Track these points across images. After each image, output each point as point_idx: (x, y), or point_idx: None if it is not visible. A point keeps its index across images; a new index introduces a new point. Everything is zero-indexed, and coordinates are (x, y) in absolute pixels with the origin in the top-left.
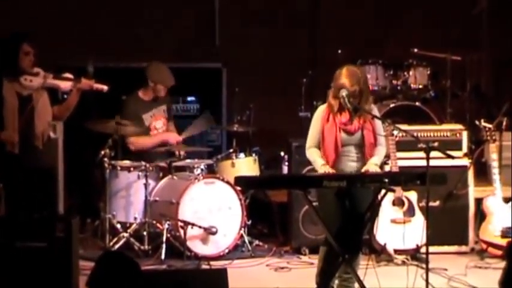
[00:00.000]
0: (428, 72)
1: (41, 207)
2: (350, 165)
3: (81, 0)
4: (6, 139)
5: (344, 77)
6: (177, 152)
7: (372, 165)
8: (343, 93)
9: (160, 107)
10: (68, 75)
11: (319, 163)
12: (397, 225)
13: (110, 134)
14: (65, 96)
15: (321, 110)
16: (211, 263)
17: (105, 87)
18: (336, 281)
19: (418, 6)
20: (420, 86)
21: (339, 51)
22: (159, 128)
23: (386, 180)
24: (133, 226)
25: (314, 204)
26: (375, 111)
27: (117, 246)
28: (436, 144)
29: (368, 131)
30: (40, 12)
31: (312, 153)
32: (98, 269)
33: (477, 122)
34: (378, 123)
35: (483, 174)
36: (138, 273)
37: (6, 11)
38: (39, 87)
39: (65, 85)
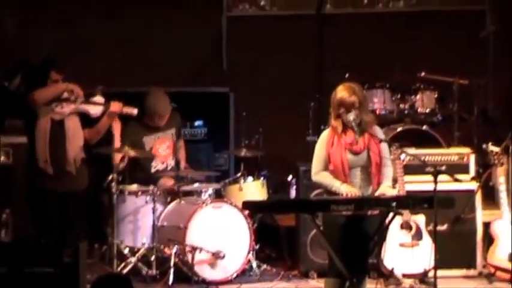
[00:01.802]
0: (436, 96)
1: (71, 229)
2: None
3: (89, 26)
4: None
5: (340, 91)
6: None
7: (387, 188)
8: (350, 117)
9: (168, 131)
10: (98, 99)
11: (337, 184)
12: (405, 249)
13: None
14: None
15: (325, 135)
16: (220, 287)
17: (134, 111)
18: None
19: (426, 30)
20: (427, 110)
21: (346, 75)
22: (161, 152)
23: (394, 203)
24: (141, 251)
25: (321, 228)
26: (380, 132)
27: (125, 271)
28: (443, 168)
29: (374, 150)
30: (47, 38)
31: (325, 177)
32: None
33: (484, 146)
34: (384, 145)
35: (491, 198)
36: None
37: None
38: (71, 112)
39: (94, 111)
